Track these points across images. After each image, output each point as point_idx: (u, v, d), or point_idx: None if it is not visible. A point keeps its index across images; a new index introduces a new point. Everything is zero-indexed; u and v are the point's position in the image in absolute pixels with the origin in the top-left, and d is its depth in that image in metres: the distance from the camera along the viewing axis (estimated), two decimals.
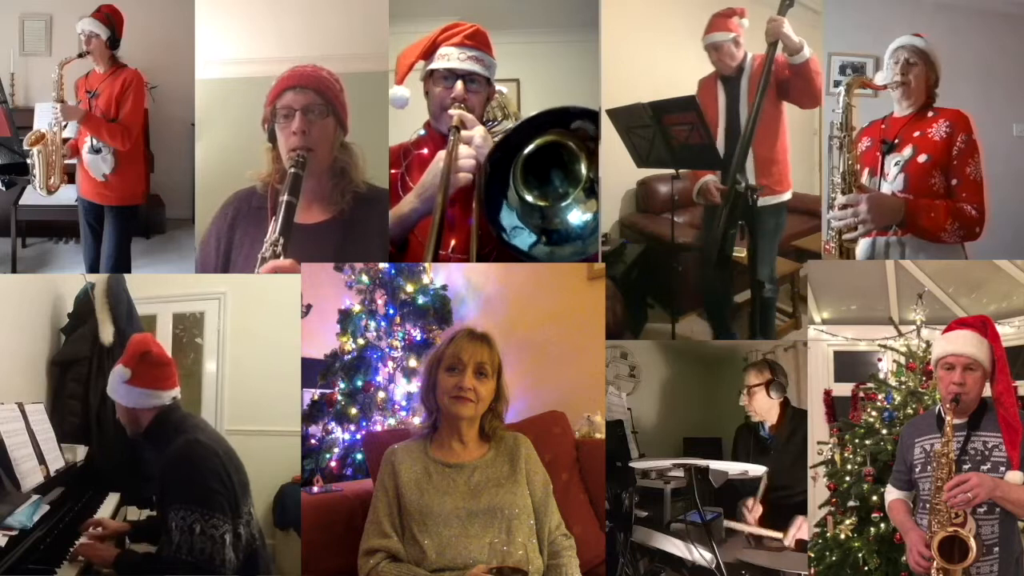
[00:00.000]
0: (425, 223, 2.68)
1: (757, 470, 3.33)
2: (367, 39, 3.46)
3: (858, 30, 4.29)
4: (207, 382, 4.06)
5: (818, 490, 3.51)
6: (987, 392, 2.54)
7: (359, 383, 3.70)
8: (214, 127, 3.50)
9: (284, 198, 2.73)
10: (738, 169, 3.49)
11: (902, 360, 3.46)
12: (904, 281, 3.73)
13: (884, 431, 3.29)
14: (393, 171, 2.95)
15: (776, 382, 3.64)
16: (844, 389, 3.83)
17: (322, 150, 2.88)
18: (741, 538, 3.45)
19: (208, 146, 3.50)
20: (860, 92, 3.25)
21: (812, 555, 3.29)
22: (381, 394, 3.70)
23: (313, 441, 3.61)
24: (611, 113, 3.43)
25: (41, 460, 3.08)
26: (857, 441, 3.35)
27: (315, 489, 3.05)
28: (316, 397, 3.70)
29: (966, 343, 2.52)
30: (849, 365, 4.00)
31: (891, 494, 2.71)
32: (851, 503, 3.26)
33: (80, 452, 3.49)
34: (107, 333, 3.63)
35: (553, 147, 2.64)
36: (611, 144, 3.41)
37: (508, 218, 2.64)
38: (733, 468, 3.33)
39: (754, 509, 3.50)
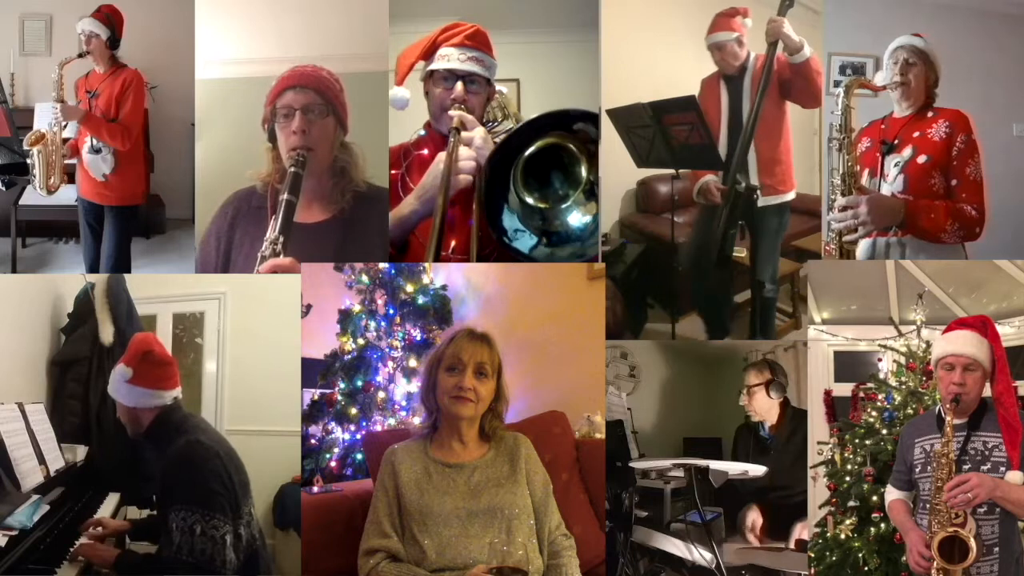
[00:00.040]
0: (425, 224, 2.68)
1: (757, 470, 3.33)
2: (367, 39, 3.46)
3: (858, 30, 4.29)
4: (207, 382, 4.06)
5: (818, 490, 3.51)
6: (987, 392, 2.54)
7: (359, 383, 3.69)
8: (214, 127, 3.50)
9: (284, 197, 2.73)
10: (738, 169, 3.49)
11: (902, 360, 3.46)
12: (904, 281, 3.73)
13: (884, 431, 3.29)
14: (393, 172, 2.95)
15: (776, 382, 3.64)
16: (844, 389, 3.83)
17: (322, 150, 2.88)
18: (741, 537, 3.46)
19: (208, 146, 3.50)
20: (860, 92, 3.25)
21: (812, 555, 3.29)
22: (381, 394, 3.70)
23: (313, 441, 3.61)
24: (611, 113, 3.43)
25: (41, 460, 3.08)
26: (857, 441, 3.35)
27: (315, 489, 3.05)
28: (316, 397, 3.70)
29: (966, 343, 2.52)
30: (849, 365, 4.00)
31: (891, 494, 2.71)
32: (851, 503, 3.26)
33: (80, 452, 3.49)
34: (107, 333, 3.63)
35: (553, 149, 2.64)
36: (611, 144, 3.41)
37: (509, 220, 2.65)
38: (733, 468, 3.33)
39: (755, 527, 3.49)
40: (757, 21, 3.50)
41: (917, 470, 2.59)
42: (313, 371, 3.71)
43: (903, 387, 3.37)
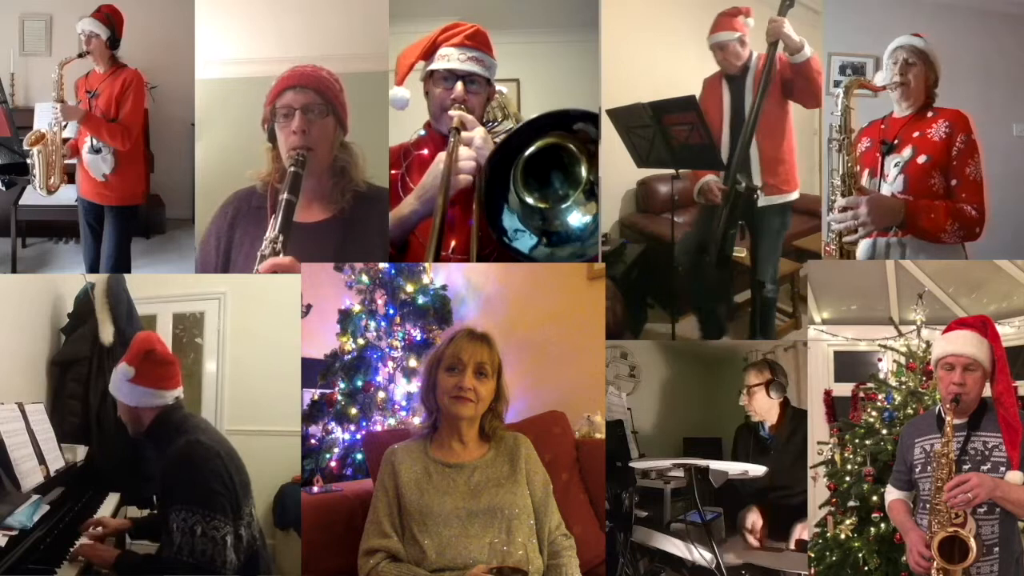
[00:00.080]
0: (426, 224, 2.68)
1: (757, 470, 3.33)
2: (367, 39, 3.46)
3: (858, 30, 4.28)
4: (207, 382, 4.06)
5: (818, 490, 3.51)
6: (987, 392, 2.54)
7: (359, 383, 3.70)
8: (214, 127, 3.50)
9: (284, 196, 2.73)
10: (739, 168, 3.49)
11: (902, 360, 3.46)
12: (904, 281, 3.73)
13: (884, 431, 3.29)
14: (393, 172, 2.95)
15: (776, 382, 3.64)
16: (844, 389, 3.83)
17: (322, 149, 2.88)
18: (741, 539, 3.46)
19: (208, 146, 3.50)
20: (860, 93, 3.25)
21: (812, 555, 3.29)
22: (381, 394, 3.70)
23: (313, 441, 3.61)
24: (611, 113, 3.43)
25: (41, 460, 3.08)
26: (857, 441, 3.35)
27: (315, 489, 3.05)
28: (316, 397, 3.70)
29: (966, 343, 2.52)
30: (849, 365, 4.00)
31: (891, 494, 2.71)
32: (851, 503, 3.26)
33: (80, 452, 3.49)
34: (107, 333, 3.63)
35: (553, 149, 2.64)
36: (611, 144, 3.41)
37: (509, 220, 2.65)
38: (733, 468, 3.33)
39: (755, 528, 3.49)
40: (758, 21, 3.50)
41: (917, 470, 2.59)
42: (313, 371, 3.71)
43: (903, 387, 3.37)
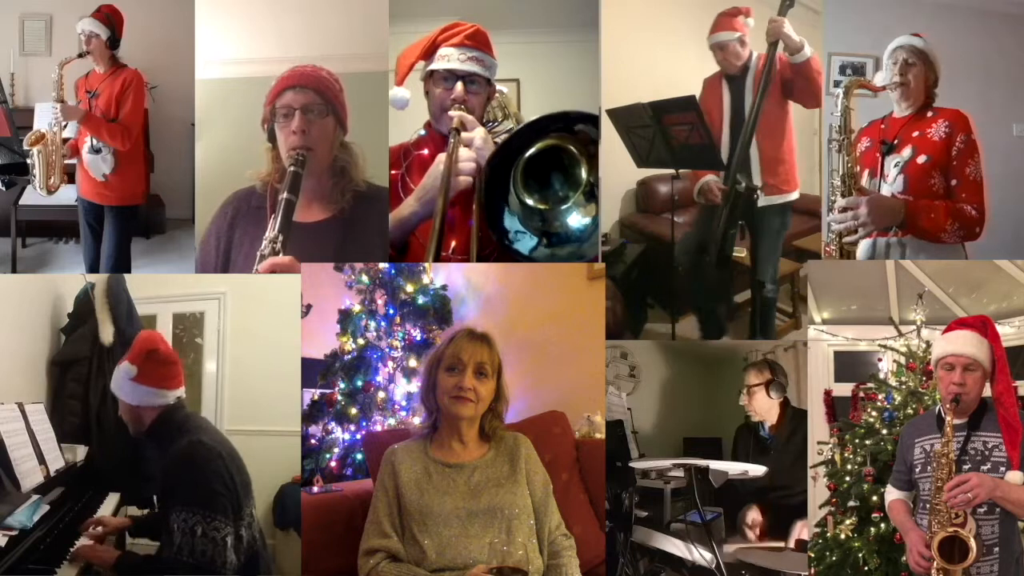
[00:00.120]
0: (426, 225, 2.68)
1: (757, 470, 3.33)
2: (367, 39, 3.46)
3: (858, 30, 4.28)
4: (207, 382, 4.06)
5: (818, 490, 3.51)
6: (987, 392, 2.54)
7: (359, 383, 3.70)
8: (214, 127, 3.50)
9: (283, 196, 2.74)
10: (739, 168, 3.49)
11: (902, 360, 3.46)
12: (904, 281, 3.73)
13: (884, 431, 3.29)
14: (393, 172, 2.95)
15: (776, 382, 3.64)
16: (844, 389, 3.83)
17: (321, 149, 2.88)
18: (741, 535, 3.46)
19: (208, 146, 3.50)
20: (859, 93, 3.25)
21: (812, 555, 3.29)
22: (381, 394, 3.70)
23: (313, 441, 3.61)
24: (611, 113, 3.43)
25: (41, 460, 3.08)
26: (857, 441, 3.35)
27: (315, 489, 3.05)
28: (316, 397, 3.70)
29: (966, 343, 2.52)
30: (849, 365, 4.00)
31: (891, 494, 2.71)
32: (851, 503, 3.26)
33: (80, 452, 3.49)
34: (107, 333, 3.63)
35: (553, 151, 2.64)
36: (611, 144, 3.41)
37: (510, 222, 2.65)
38: (733, 468, 3.33)
39: (755, 524, 3.49)
40: (758, 21, 3.50)
41: (917, 470, 2.59)
42: (313, 371, 3.71)
43: (903, 387, 3.37)
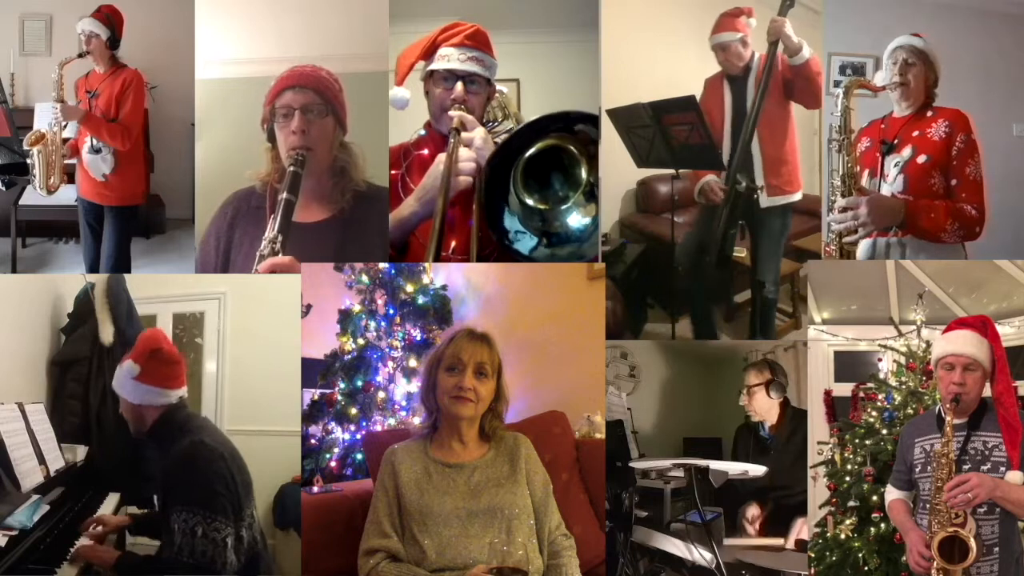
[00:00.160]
0: (426, 225, 2.68)
1: (757, 470, 3.33)
2: (367, 39, 3.46)
3: (858, 30, 4.28)
4: (207, 382, 4.06)
5: (818, 490, 3.51)
6: (987, 392, 2.54)
7: (359, 383, 3.70)
8: (214, 127, 3.50)
9: (283, 196, 2.73)
10: (739, 169, 3.49)
11: (902, 360, 3.46)
12: (904, 281, 3.73)
13: (884, 431, 3.29)
14: (393, 172, 2.95)
15: (776, 382, 3.64)
16: (844, 389, 3.83)
17: (321, 149, 2.88)
18: (741, 531, 3.46)
19: (208, 146, 3.50)
20: (859, 93, 3.25)
21: (812, 555, 3.29)
22: (381, 394, 3.70)
23: (313, 441, 3.61)
24: (611, 113, 3.43)
25: (41, 460, 3.08)
26: (857, 441, 3.35)
27: (315, 489, 3.05)
28: (316, 397, 3.70)
29: (966, 343, 2.52)
30: (849, 365, 4.00)
31: (891, 494, 2.71)
32: (851, 503, 3.26)
33: (80, 452, 3.49)
34: (107, 333, 3.63)
35: (553, 151, 2.64)
36: (611, 144, 3.41)
37: (510, 222, 2.65)
38: (733, 468, 3.33)
39: (755, 520, 3.49)
40: (759, 21, 3.50)
41: (917, 470, 2.59)
42: (313, 371, 3.71)
43: (903, 387, 3.37)
